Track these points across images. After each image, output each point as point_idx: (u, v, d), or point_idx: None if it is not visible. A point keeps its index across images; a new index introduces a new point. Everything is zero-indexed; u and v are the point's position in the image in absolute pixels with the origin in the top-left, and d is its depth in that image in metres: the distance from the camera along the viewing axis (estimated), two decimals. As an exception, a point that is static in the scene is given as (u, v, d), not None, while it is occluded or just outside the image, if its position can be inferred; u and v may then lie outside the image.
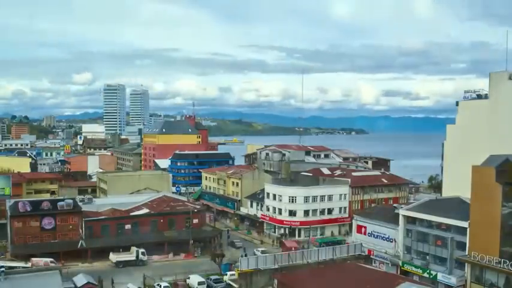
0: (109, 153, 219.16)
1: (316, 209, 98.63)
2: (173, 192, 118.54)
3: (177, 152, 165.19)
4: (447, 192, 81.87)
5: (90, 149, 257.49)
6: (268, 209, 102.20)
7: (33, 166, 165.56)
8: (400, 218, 70.07)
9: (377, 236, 74.36)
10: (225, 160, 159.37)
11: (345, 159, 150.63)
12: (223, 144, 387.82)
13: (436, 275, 63.59)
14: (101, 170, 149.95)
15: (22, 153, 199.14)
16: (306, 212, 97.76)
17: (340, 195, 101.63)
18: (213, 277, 68.86)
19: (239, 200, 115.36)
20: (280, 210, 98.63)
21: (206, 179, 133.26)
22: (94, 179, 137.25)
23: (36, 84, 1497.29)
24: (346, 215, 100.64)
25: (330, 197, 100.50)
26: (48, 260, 72.36)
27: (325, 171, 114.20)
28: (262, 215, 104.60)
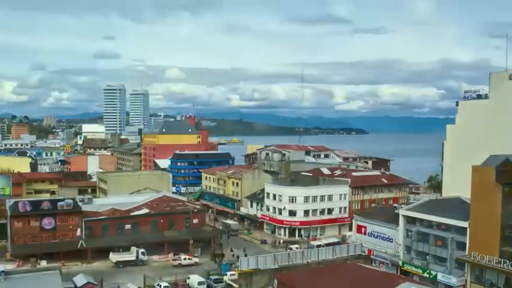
0: (109, 153, 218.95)
1: (316, 209, 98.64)
2: (173, 192, 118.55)
3: (177, 152, 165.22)
4: (447, 192, 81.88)
5: (90, 149, 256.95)
6: (268, 209, 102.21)
7: (33, 166, 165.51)
8: (400, 218, 70.10)
9: (377, 236, 74.39)
10: (225, 160, 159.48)
11: (345, 159, 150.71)
12: (223, 144, 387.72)
13: (436, 275, 63.61)
14: (101, 170, 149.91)
15: (22, 153, 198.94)
16: (306, 212, 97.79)
17: (340, 195, 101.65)
18: (213, 277, 68.88)
19: (239, 200, 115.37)
20: (280, 210, 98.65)
21: (206, 179, 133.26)
22: (94, 179, 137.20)
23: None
24: (346, 215, 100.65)
25: (330, 197, 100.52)
26: None
27: (325, 171, 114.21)
28: (262, 215, 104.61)
